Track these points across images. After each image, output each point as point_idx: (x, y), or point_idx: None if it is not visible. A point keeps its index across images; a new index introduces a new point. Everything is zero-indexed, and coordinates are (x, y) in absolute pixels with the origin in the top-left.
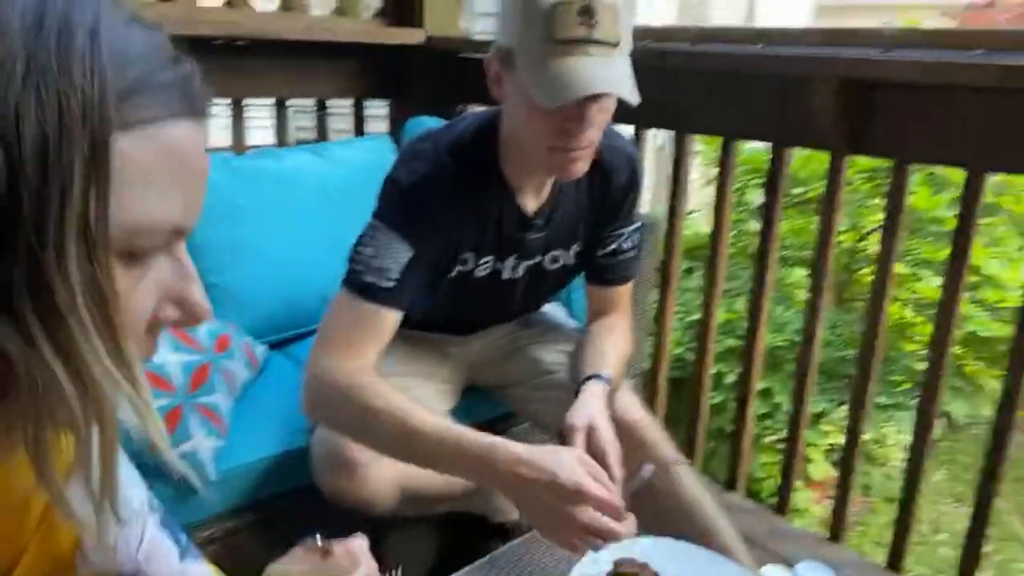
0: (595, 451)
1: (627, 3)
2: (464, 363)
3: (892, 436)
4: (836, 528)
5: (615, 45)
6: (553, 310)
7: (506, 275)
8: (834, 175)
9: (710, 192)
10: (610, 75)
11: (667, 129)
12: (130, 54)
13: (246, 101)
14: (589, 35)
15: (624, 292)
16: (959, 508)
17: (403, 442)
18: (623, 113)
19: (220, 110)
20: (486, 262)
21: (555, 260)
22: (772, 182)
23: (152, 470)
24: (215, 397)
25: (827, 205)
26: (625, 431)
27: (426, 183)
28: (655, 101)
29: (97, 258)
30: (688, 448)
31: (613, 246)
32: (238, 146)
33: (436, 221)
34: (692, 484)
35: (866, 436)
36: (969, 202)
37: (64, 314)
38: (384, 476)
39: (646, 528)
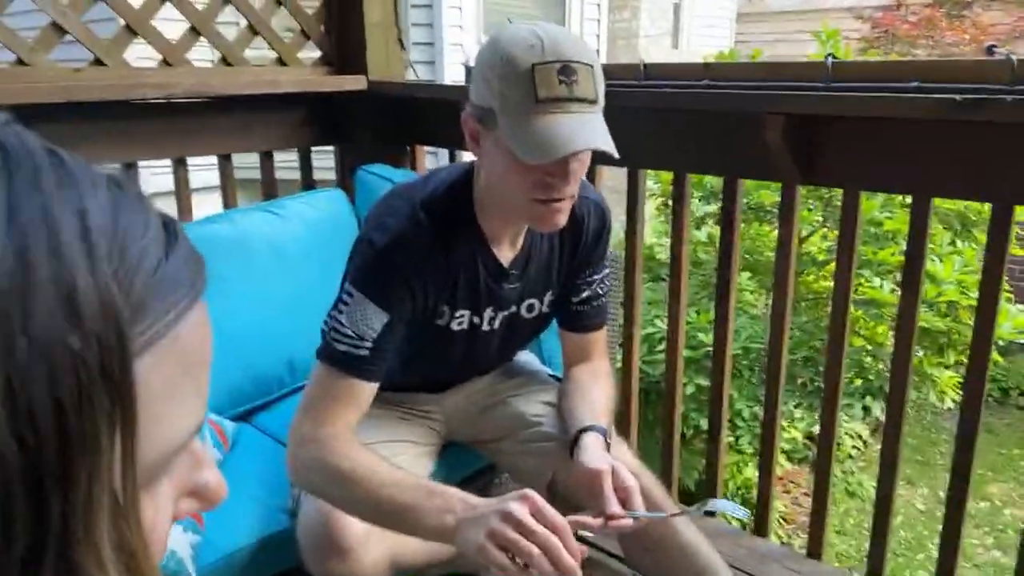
0: (620, 490)
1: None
2: (442, 420)
3: (844, 425)
4: (815, 545)
5: (593, 102)
6: (527, 358)
7: (484, 327)
8: (788, 203)
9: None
10: (590, 130)
11: (620, 166)
12: (131, 259)
13: (189, 160)
14: (570, 93)
15: (601, 336)
16: (914, 490)
17: (372, 503)
18: None
19: (161, 171)
20: (461, 316)
21: (531, 309)
22: (728, 212)
23: None
24: None
25: (784, 231)
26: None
27: (401, 244)
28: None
29: (126, 517)
30: (664, 460)
31: (587, 292)
32: (184, 208)
33: (412, 281)
34: (688, 530)
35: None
36: (918, 224)
37: None
38: (374, 553)
39: (642, 570)
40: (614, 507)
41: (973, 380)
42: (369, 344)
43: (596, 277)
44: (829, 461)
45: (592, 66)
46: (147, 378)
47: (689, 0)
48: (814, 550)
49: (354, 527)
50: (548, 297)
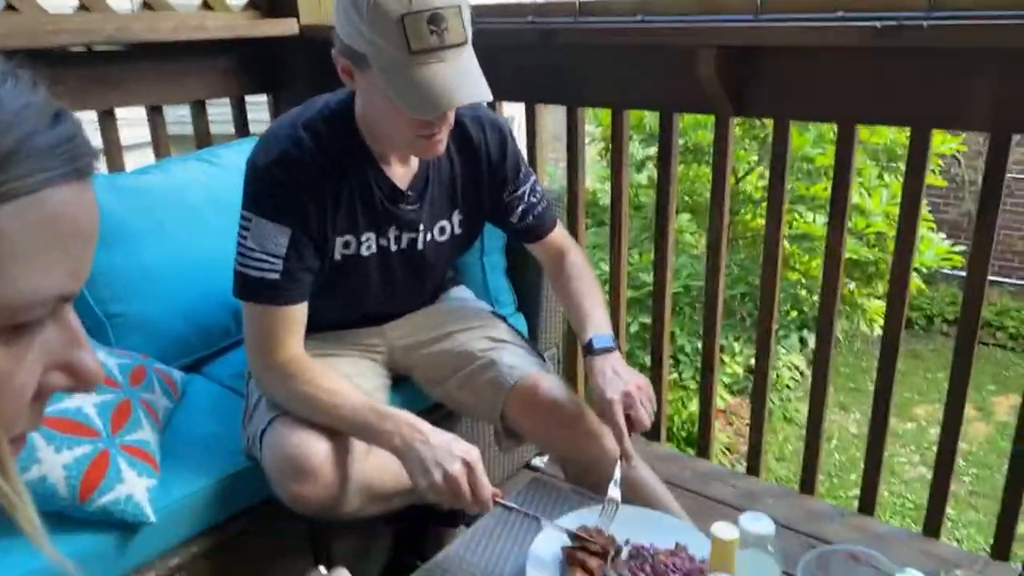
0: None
1: None
2: (386, 352)
3: (781, 358)
4: (753, 462)
5: (463, 43)
6: (467, 295)
7: (393, 248)
8: (722, 136)
9: (591, 151)
10: (468, 80)
11: (557, 104)
12: (2, 119)
13: (118, 112)
14: (441, 42)
15: (560, 234)
16: (847, 416)
17: (332, 421)
18: (513, 91)
19: (88, 124)
20: (368, 239)
21: (443, 231)
22: (665, 147)
23: (84, 524)
24: (141, 434)
25: (718, 165)
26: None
27: (283, 161)
28: (543, 77)
29: None
30: None
31: (521, 207)
32: (115, 159)
33: (301, 195)
34: (639, 464)
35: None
36: (843, 152)
37: None
38: (341, 476)
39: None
40: (627, 439)
41: (895, 302)
42: (279, 266)
43: (522, 190)
44: (765, 379)
45: (459, 6)
46: (6, 228)
47: None
48: (753, 467)
49: (316, 453)
50: (457, 216)
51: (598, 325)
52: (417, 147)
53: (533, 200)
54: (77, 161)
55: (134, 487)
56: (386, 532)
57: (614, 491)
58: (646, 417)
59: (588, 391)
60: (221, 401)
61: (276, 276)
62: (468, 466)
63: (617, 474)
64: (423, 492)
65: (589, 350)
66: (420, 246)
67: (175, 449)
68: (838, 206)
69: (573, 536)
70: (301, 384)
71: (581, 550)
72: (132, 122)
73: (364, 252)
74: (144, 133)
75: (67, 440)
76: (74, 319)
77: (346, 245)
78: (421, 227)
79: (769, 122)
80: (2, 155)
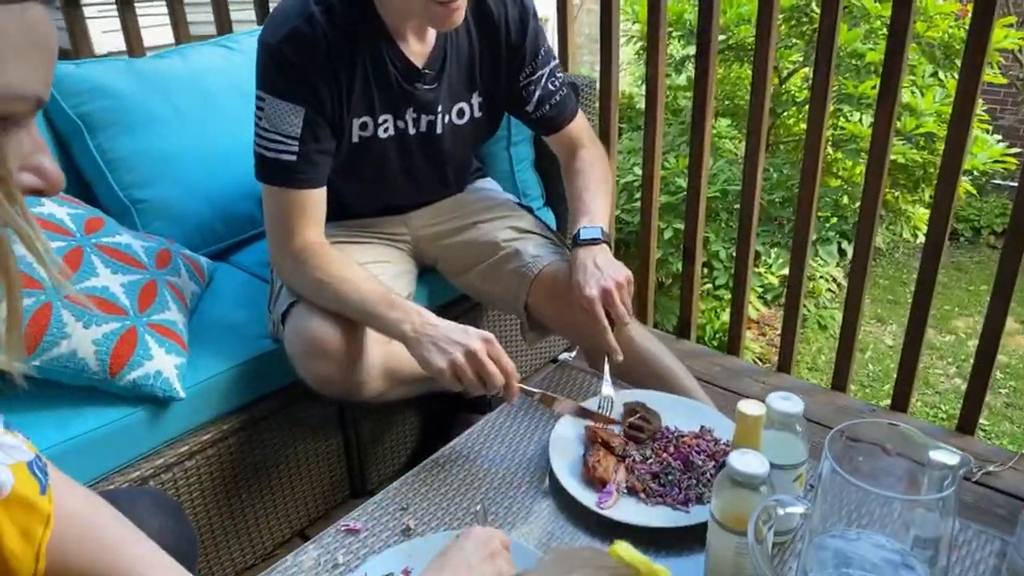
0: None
1: None
2: (411, 241)
3: (819, 269)
4: (785, 360)
5: None
6: (492, 186)
7: (411, 131)
8: (765, 18)
9: (628, 51)
10: None
11: None
12: None
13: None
14: None
15: (580, 125)
16: (883, 327)
17: (344, 308)
18: None
19: (109, 11)
20: (385, 121)
21: (461, 114)
22: (704, 32)
23: (116, 398)
24: (168, 314)
25: (760, 49)
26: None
27: (295, 39)
28: None
29: None
30: (640, 302)
31: (539, 92)
32: (136, 47)
33: (314, 74)
34: (644, 336)
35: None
36: (897, 23)
37: None
38: (360, 357)
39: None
40: (610, 335)
41: (941, 204)
42: (295, 146)
43: (540, 73)
44: (801, 274)
45: None
46: (4, 25)
47: None
48: (784, 365)
49: (334, 335)
50: (476, 99)
51: (591, 216)
52: (432, 15)
53: (551, 87)
54: None
55: (163, 364)
56: (414, 418)
57: (607, 388)
58: (625, 314)
59: (572, 285)
60: (247, 287)
61: (292, 158)
62: (487, 342)
63: (607, 370)
64: (435, 376)
65: (575, 242)
66: (439, 129)
67: (203, 332)
68: (888, 87)
69: (585, 413)
70: (313, 270)
71: (603, 429)
72: (150, 13)
73: (382, 134)
74: (168, 34)
75: (95, 317)
76: (37, 130)
77: (363, 127)
78: (440, 108)
79: (816, 15)
80: None
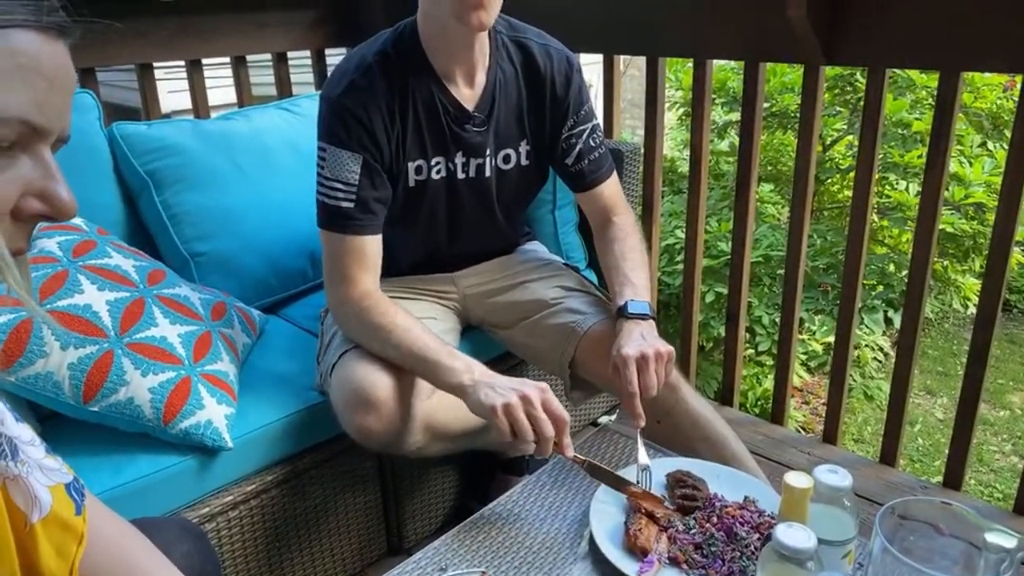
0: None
1: None
2: (458, 299)
3: (865, 337)
4: (830, 431)
5: None
6: (539, 248)
7: (460, 175)
8: (811, 88)
9: (671, 116)
10: None
11: (638, 55)
12: None
13: (204, 61)
14: None
15: (613, 189)
16: (933, 400)
17: (403, 354)
18: (592, 42)
19: (177, 72)
20: (437, 164)
21: (507, 160)
22: (749, 100)
23: (169, 446)
24: (220, 364)
25: (805, 118)
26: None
27: (352, 90)
28: (624, 27)
29: None
30: (682, 366)
31: (579, 146)
32: (201, 108)
33: (371, 121)
34: (696, 399)
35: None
36: (944, 102)
37: None
38: (404, 409)
39: (656, 440)
40: (637, 400)
41: (993, 274)
42: (353, 191)
43: (582, 128)
44: (848, 341)
45: None
46: None
47: None
48: (830, 436)
49: (381, 385)
50: (524, 146)
51: (636, 290)
52: (459, 13)
53: (592, 144)
54: (40, 13)
55: (213, 413)
56: (453, 476)
57: (643, 457)
58: (655, 385)
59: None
60: (297, 341)
61: (350, 205)
62: (542, 391)
63: (639, 438)
64: (487, 417)
65: (622, 313)
66: (487, 173)
67: (252, 383)
68: (935, 163)
69: (625, 487)
70: (375, 316)
71: (648, 498)
72: (214, 78)
73: (435, 176)
74: (230, 95)
75: (153, 365)
76: (52, 160)
77: (418, 171)
78: (488, 152)
79: (861, 84)
80: None
